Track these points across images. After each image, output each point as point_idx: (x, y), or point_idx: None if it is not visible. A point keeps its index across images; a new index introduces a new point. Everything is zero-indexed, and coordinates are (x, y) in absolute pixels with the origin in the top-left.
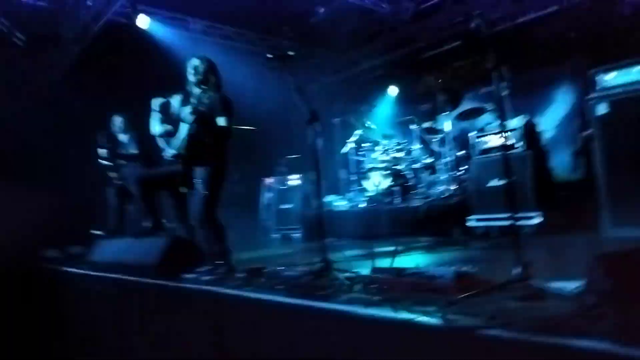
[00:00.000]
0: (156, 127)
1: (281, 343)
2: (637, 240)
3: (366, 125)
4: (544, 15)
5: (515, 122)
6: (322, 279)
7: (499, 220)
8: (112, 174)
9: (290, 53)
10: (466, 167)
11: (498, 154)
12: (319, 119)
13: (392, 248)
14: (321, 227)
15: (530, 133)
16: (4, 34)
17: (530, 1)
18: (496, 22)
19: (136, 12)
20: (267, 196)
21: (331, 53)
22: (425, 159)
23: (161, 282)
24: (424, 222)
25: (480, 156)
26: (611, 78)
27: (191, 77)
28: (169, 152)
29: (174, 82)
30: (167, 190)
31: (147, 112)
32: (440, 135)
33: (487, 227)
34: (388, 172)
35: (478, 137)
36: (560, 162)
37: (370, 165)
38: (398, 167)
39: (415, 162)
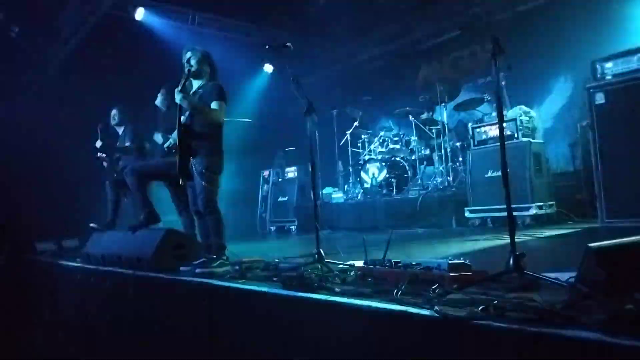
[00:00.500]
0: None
1: (275, 335)
2: (631, 230)
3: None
4: (543, 3)
5: (513, 113)
6: (316, 270)
7: (495, 211)
8: (109, 166)
9: (288, 44)
10: (463, 158)
11: (495, 144)
12: (316, 110)
13: (387, 239)
14: (317, 219)
15: (527, 124)
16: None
17: None
18: (495, 11)
19: (134, 5)
20: (263, 188)
21: (329, 44)
22: (422, 150)
23: (156, 274)
24: (420, 213)
25: (478, 147)
26: (611, 67)
27: (186, 68)
28: (165, 143)
29: (171, 73)
30: (164, 181)
31: (143, 104)
32: (438, 126)
33: (483, 218)
34: (385, 163)
35: (476, 127)
36: (558, 153)
37: (368, 157)
38: (395, 159)
39: (412, 153)
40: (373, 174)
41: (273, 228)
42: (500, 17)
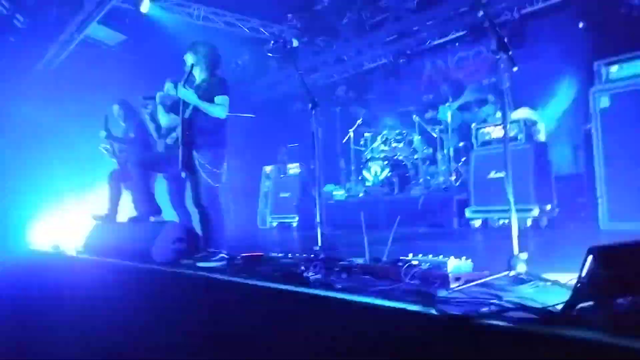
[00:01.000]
0: (163, 119)
1: (276, 330)
2: (633, 233)
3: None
4: (549, 6)
5: (517, 114)
6: (317, 267)
7: (497, 212)
8: (111, 159)
9: (295, 42)
10: (466, 158)
11: (499, 145)
12: (319, 107)
13: (387, 238)
14: (318, 216)
15: (531, 126)
16: (4, 17)
17: None
18: (501, 12)
19: None
20: (265, 184)
21: (334, 42)
22: (425, 149)
23: (157, 267)
24: (422, 213)
25: (481, 148)
26: (616, 70)
27: (190, 62)
28: (169, 136)
29: (177, 67)
30: (166, 174)
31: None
32: (441, 126)
33: (485, 219)
34: (387, 162)
35: (479, 128)
36: (561, 156)
37: (370, 155)
38: (398, 158)
39: (415, 152)
40: (375, 173)
41: (274, 224)
42: (505, 18)
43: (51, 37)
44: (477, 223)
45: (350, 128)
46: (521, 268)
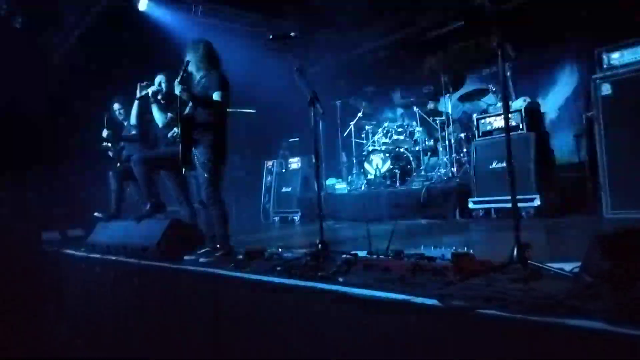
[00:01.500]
0: (159, 117)
1: (279, 324)
2: (636, 222)
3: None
4: None
5: (518, 104)
6: (320, 260)
7: (499, 202)
8: (114, 156)
9: (292, 34)
10: (467, 149)
11: (500, 135)
12: (320, 101)
13: (390, 230)
14: (320, 209)
15: (532, 115)
16: (2, 17)
17: None
18: (500, 0)
19: None
20: (267, 179)
21: (333, 34)
22: (426, 141)
23: (161, 264)
24: (424, 204)
25: (482, 138)
26: (617, 57)
27: (189, 59)
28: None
29: (174, 64)
30: (167, 171)
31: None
32: (442, 117)
33: (487, 209)
34: (389, 154)
35: (480, 118)
36: (562, 144)
37: (371, 148)
38: (399, 150)
39: (416, 144)
40: (377, 165)
41: (276, 218)
42: (506, 7)
43: (49, 35)
44: (479, 213)
45: (351, 121)
46: (524, 257)
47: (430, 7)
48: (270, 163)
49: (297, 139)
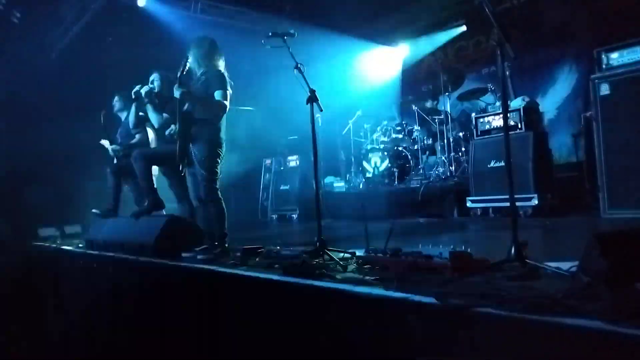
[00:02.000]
0: (154, 118)
1: (277, 322)
2: (634, 222)
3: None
4: None
5: (516, 103)
6: (318, 258)
7: (497, 201)
8: (113, 154)
9: (292, 32)
10: (466, 148)
11: (499, 134)
12: (318, 99)
13: (388, 228)
14: (318, 207)
15: (531, 114)
16: (1, 14)
17: None
18: (500, 0)
19: None
20: (265, 176)
21: (333, 32)
22: (425, 140)
23: (158, 260)
24: (422, 203)
25: (481, 137)
26: (616, 57)
27: (192, 57)
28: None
29: (173, 61)
30: (166, 169)
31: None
32: (441, 116)
33: (484, 208)
34: (387, 153)
35: (479, 117)
36: (561, 144)
37: (370, 147)
38: (398, 148)
39: (415, 143)
40: (375, 164)
41: (275, 216)
42: (505, 7)
43: (47, 31)
44: (477, 212)
45: (350, 119)
46: (522, 256)
47: (429, 7)
48: (268, 161)
49: (296, 136)
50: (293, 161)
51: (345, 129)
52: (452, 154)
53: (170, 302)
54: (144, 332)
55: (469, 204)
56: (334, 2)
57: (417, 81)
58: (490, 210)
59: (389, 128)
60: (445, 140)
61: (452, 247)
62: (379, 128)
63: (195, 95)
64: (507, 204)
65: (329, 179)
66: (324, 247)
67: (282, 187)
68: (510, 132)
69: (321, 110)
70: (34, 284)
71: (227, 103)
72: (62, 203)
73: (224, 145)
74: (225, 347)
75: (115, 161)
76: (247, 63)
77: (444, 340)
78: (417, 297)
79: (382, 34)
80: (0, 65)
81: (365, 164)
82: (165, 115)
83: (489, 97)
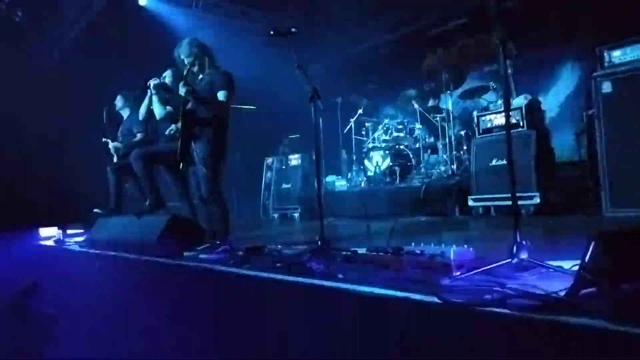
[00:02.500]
0: (158, 109)
1: (279, 320)
2: (636, 219)
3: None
4: None
5: (518, 101)
6: (319, 257)
7: (499, 200)
8: (114, 152)
9: (293, 30)
10: (467, 146)
11: (500, 133)
12: (320, 97)
13: (390, 227)
14: (320, 206)
15: (533, 112)
16: (4, 13)
17: None
18: None
19: None
20: (267, 175)
21: (334, 31)
22: (426, 138)
23: (161, 259)
24: (424, 202)
25: (483, 135)
26: (619, 55)
27: (187, 59)
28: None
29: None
30: (167, 167)
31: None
32: (442, 115)
33: (486, 207)
34: (389, 151)
35: (481, 116)
36: (563, 142)
37: (372, 145)
38: (399, 147)
39: (416, 141)
40: (377, 162)
41: (276, 215)
42: (507, 5)
43: (49, 30)
44: (479, 211)
45: (352, 118)
46: (524, 255)
47: (431, 5)
48: (270, 160)
49: (298, 135)
50: (294, 160)
51: (347, 128)
52: (454, 152)
53: (173, 300)
54: (146, 331)
55: (470, 203)
56: (335, 3)
57: (418, 79)
58: (492, 208)
59: (391, 127)
60: (447, 139)
61: (453, 245)
62: (380, 127)
63: (200, 95)
64: (509, 202)
65: (330, 178)
66: (326, 245)
67: (283, 186)
68: (512, 131)
69: (322, 109)
70: (35, 284)
71: (230, 103)
72: (63, 202)
73: (226, 144)
74: (228, 346)
75: (115, 159)
76: (248, 61)
77: (446, 339)
78: (418, 296)
79: None
80: (4, 66)
81: (366, 162)
82: (168, 108)
83: (490, 95)
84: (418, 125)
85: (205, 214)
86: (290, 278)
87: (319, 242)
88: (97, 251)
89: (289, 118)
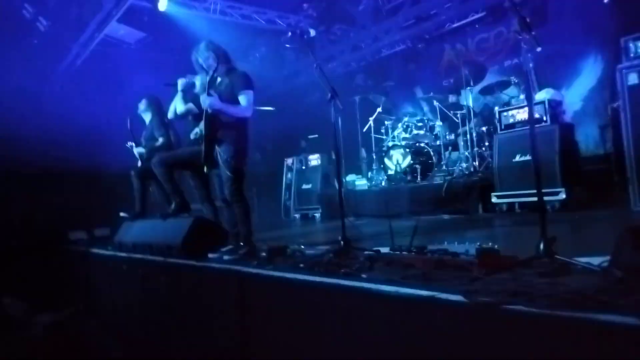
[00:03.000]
0: (179, 106)
1: (304, 320)
2: None
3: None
4: None
5: (541, 96)
6: (343, 257)
7: (523, 196)
8: (138, 156)
9: (311, 32)
10: (489, 142)
11: (523, 128)
12: (339, 97)
13: (413, 225)
14: (341, 206)
15: (556, 106)
16: (28, 21)
17: None
18: None
19: None
20: (287, 176)
21: (351, 29)
22: (447, 135)
23: (186, 261)
24: (446, 199)
25: (505, 131)
26: None
27: (205, 63)
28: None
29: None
30: (190, 171)
31: (168, 95)
32: (463, 111)
33: (510, 204)
34: (409, 149)
35: (502, 111)
36: (587, 136)
37: (392, 143)
38: (419, 145)
39: (437, 138)
40: (397, 161)
41: (297, 216)
42: None
43: (73, 38)
44: (503, 208)
45: (371, 116)
46: (551, 252)
47: None
48: (290, 160)
49: (317, 135)
50: (314, 160)
51: (366, 127)
52: (476, 149)
53: (199, 301)
54: (173, 332)
55: (494, 200)
56: (351, 1)
57: (437, 76)
58: (517, 205)
59: (410, 124)
60: (468, 135)
61: (478, 244)
62: (400, 124)
63: (223, 104)
64: (534, 198)
65: (350, 177)
66: (349, 245)
67: (304, 187)
68: (535, 125)
69: (341, 108)
70: (64, 287)
71: (251, 105)
72: (91, 207)
73: (248, 146)
74: (254, 345)
75: (139, 164)
76: (266, 62)
77: (473, 338)
78: (444, 295)
79: None
80: (28, 74)
81: (387, 161)
82: (189, 105)
83: (512, 90)
84: (438, 122)
85: (228, 216)
86: (314, 278)
87: (342, 242)
88: (124, 254)
89: (308, 118)
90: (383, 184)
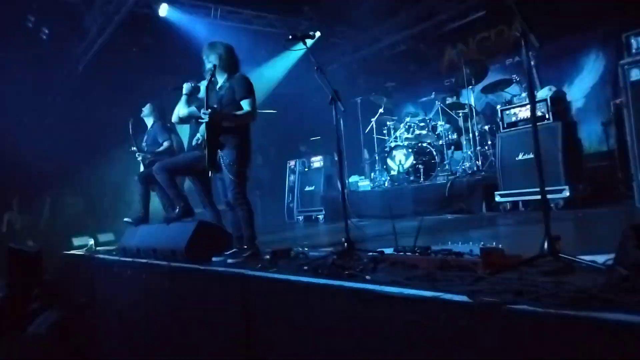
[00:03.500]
0: (182, 109)
1: (308, 323)
2: None
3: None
4: None
5: (543, 93)
6: (346, 259)
7: (527, 194)
8: (141, 161)
9: (312, 34)
10: (492, 141)
11: (526, 126)
12: (340, 99)
13: (416, 226)
14: (344, 207)
15: (558, 104)
16: (29, 29)
17: None
18: None
19: (158, 1)
20: (290, 178)
21: (352, 30)
22: (450, 134)
23: (190, 265)
24: (449, 199)
25: (507, 129)
26: None
27: (208, 65)
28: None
29: (196, 69)
30: (192, 175)
31: (169, 100)
32: (465, 110)
33: (514, 202)
34: (412, 149)
35: (505, 110)
36: (590, 133)
37: (394, 144)
38: (422, 145)
39: (439, 138)
40: (400, 161)
41: (301, 218)
42: None
43: (75, 45)
44: (507, 206)
45: (373, 117)
46: (555, 250)
47: None
48: (292, 163)
49: (319, 137)
50: (317, 162)
51: (368, 128)
52: (478, 148)
53: (203, 305)
54: (178, 336)
55: (497, 199)
56: (351, 2)
57: (438, 75)
58: (520, 204)
59: (412, 124)
60: (471, 135)
61: (482, 243)
62: (402, 125)
63: (225, 114)
64: (538, 196)
65: (353, 179)
66: (352, 247)
67: (307, 188)
68: (537, 123)
69: (343, 110)
70: (69, 291)
71: (254, 110)
72: (95, 212)
73: (251, 150)
74: (258, 348)
75: (142, 169)
76: (267, 66)
77: (478, 338)
78: (449, 296)
79: None
80: (31, 82)
81: (389, 161)
82: (191, 108)
83: (514, 89)
84: (440, 122)
85: (231, 219)
86: (318, 280)
87: (345, 244)
88: (128, 259)
89: (309, 121)
90: (386, 184)
